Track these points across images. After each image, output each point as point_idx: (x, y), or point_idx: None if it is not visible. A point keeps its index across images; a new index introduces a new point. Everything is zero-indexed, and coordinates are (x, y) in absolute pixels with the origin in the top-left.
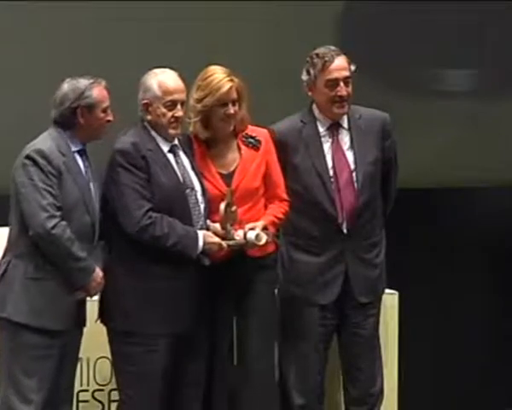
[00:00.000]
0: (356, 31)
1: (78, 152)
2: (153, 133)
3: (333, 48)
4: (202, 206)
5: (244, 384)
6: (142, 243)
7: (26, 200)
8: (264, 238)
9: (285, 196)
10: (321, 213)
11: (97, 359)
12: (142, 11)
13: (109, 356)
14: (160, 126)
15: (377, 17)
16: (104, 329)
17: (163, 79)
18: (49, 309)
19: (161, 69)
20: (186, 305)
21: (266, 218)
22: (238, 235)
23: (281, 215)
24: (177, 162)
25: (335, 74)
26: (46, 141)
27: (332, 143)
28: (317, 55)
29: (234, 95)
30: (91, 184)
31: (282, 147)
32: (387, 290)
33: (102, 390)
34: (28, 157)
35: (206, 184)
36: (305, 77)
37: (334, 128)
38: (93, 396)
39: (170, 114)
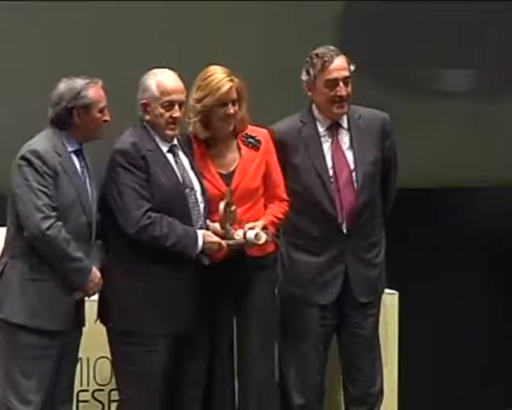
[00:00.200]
0: (356, 31)
1: (75, 152)
2: (152, 133)
3: (332, 48)
4: (202, 206)
5: (244, 384)
6: (142, 242)
7: (22, 201)
8: (263, 238)
9: (285, 196)
10: (321, 213)
11: (97, 359)
12: (142, 11)
13: (109, 356)
14: (158, 127)
15: (377, 17)
16: (104, 329)
17: (161, 80)
18: (46, 310)
19: (161, 69)
20: (186, 305)
21: (266, 218)
22: (238, 234)
23: (280, 215)
24: (176, 162)
25: (335, 74)
26: (42, 141)
27: (332, 143)
28: (317, 55)
29: (234, 95)
30: (88, 184)
31: (282, 147)
32: (387, 290)
33: (102, 390)
34: (23, 158)
35: (205, 183)
36: (304, 77)
37: (333, 128)
38: (93, 396)
39: (167, 114)
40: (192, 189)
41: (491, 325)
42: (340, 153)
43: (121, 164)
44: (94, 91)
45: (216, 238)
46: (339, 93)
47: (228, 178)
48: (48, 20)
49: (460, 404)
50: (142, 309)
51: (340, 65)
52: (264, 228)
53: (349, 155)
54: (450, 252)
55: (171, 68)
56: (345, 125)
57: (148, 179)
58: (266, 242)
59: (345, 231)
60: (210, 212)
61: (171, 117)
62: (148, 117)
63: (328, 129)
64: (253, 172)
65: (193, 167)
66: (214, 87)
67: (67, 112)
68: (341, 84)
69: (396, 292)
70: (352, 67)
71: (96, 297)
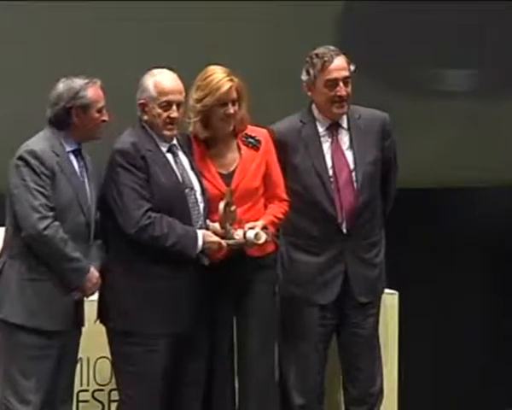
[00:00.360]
0: (356, 31)
1: (73, 152)
2: (151, 133)
3: (332, 48)
4: (202, 205)
5: (244, 384)
6: (142, 242)
7: (19, 201)
8: (263, 237)
9: (285, 196)
10: (320, 213)
11: (97, 359)
12: (142, 11)
13: (109, 356)
14: (156, 127)
15: (377, 17)
16: (104, 329)
17: (159, 80)
18: (45, 310)
19: (160, 70)
20: (186, 305)
21: (266, 218)
22: (237, 234)
23: (280, 215)
24: (176, 162)
25: (335, 74)
26: (39, 141)
27: (331, 142)
28: (317, 55)
29: (234, 95)
30: (87, 184)
31: (282, 147)
32: (387, 290)
33: (102, 390)
34: (20, 158)
35: (205, 183)
36: (304, 77)
37: (333, 128)
38: (93, 396)
39: (165, 114)
40: (192, 189)
41: (491, 325)
42: (339, 153)
43: (121, 164)
44: (92, 91)
45: (216, 238)
46: (339, 93)
47: (228, 178)
48: (48, 20)
49: (460, 404)
50: (142, 309)
51: (339, 65)
52: (264, 228)
53: (349, 155)
54: (450, 252)
55: (170, 68)
56: (344, 125)
57: (147, 179)
58: (266, 242)
59: (344, 230)
60: (210, 212)
61: (168, 117)
62: (146, 117)
63: (327, 129)
64: (253, 173)
65: (193, 167)
66: (214, 87)
67: (66, 112)
68: (341, 84)
69: (396, 292)
70: (352, 67)
71: (95, 297)
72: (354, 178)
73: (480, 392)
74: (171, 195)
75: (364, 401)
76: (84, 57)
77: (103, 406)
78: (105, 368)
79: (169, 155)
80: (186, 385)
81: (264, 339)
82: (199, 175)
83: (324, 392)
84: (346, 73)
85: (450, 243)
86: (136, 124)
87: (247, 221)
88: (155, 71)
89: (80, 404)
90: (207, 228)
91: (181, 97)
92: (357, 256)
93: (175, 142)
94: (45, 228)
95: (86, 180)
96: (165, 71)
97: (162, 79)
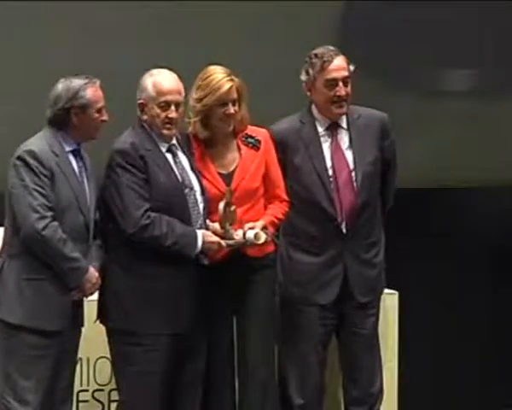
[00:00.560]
0: (356, 31)
1: (73, 152)
2: (151, 133)
3: (332, 48)
4: (201, 205)
5: (244, 384)
6: (141, 242)
7: (17, 201)
8: (263, 237)
9: (285, 196)
10: (320, 213)
11: (97, 359)
12: (142, 11)
13: (109, 356)
14: (155, 127)
15: (377, 17)
16: (104, 329)
17: (158, 80)
18: (44, 310)
19: (159, 70)
20: (185, 305)
21: (266, 218)
22: (237, 234)
23: (280, 215)
24: (175, 162)
25: (334, 74)
26: (38, 141)
27: (331, 142)
28: (316, 55)
29: (234, 95)
30: (86, 185)
31: (282, 147)
32: (387, 290)
33: (102, 390)
34: (19, 158)
35: (205, 183)
36: (304, 77)
37: (333, 128)
38: (93, 396)
39: (163, 114)
40: (191, 189)
41: (492, 325)
42: (339, 153)
43: (120, 164)
44: (92, 92)
45: (215, 238)
46: (338, 93)
47: (228, 178)
48: (48, 20)
49: (460, 404)
50: (142, 309)
51: (339, 65)
52: (264, 228)
53: (348, 155)
54: (450, 252)
55: (170, 69)
56: (344, 125)
57: (147, 179)
58: (266, 242)
59: (344, 230)
60: (210, 212)
61: (167, 117)
62: (145, 117)
63: (327, 129)
64: (252, 173)
65: (192, 167)
66: (214, 87)
67: (65, 112)
68: (341, 84)
69: (396, 292)
70: (352, 67)
71: (95, 297)
72: (354, 178)
73: (480, 392)
74: (171, 194)
75: (364, 401)
76: (84, 57)
77: (103, 406)
78: (105, 368)
79: (168, 155)
80: (186, 385)
81: (264, 339)
82: (198, 175)
83: (324, 392)
84: (346, 73)
85: (451, 243)
86: (135, 124)
87: (247, 221)
88: (155, 71)
89: (80, 404)
90: (207, 228)
91: (180, 97)
92: (356, 256)
93: (174, 142)
94: (44, 228)
95: (85, 180)
96: (164, 71)
97: (161, 80)
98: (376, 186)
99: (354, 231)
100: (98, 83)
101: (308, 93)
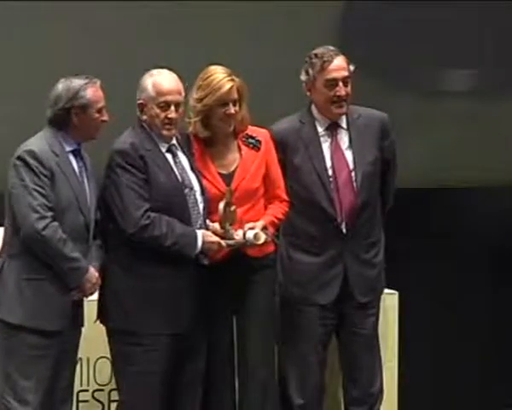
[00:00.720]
0: (356, 31)
1: (73, 152)
2: (151, 133)
3: (332, 48)
4: (201, 206)
5: (244, 384)
6: (141, 242)
7: (17, 201)
8: (262, 238)
9: (285, 196)
10: (320, 213)
11: (97, 359)
12: (142, 11)
13: (109, 356)
14: (155, 127)
15: (377, 17)
16: (104, 329)
17: (158, 80)
18: (44, 310)
19: (159, 70)
20: (185, 305)
21: (266, 218)
22: (237, 234)
23: (280, 216)
24: (175, 162)
25: (334, 74)
26: (38, 141)
27: (331, 142)
28: (316, 55)
29: (234, 95)
30: (86, 185)
31: (282, 147)
32: (387, 290)
33: (102, 390)
34: (19, 158)
35: (205, 183)
36: (303, 77)
37: (332, 128)
38: (93, 396)
39: (163, 114)
40: (191, 189)
41: (492, 325)
42: (339, 153)
43: (120, 164)
44: (92, 92)
45: (215, 238)
46: (338, 93)
47: (228, 178)
48: (48, 21)
49: (460, 404)
50: (142, 309)
51: (339, 65)
52: (264, 228)
53: (348, 155)
54: (450, 252)
55: (170, 69)
56: (344, 125)
57: (146, 179)
58: (266, 242)
59: (344, 230)
60: (210, 212)
61: (166, 117)
62: (145, 117)
63: (327, 129)
64: (253, 173)
65: (192, 167)
66: (215, 87)
67: (65, 112)
68: (341, 84)
69: (396, 292)
70: (352, 67)
71: (95, 297)
72: (354, 178)
73: (480, 392)
74: (171, 195)
75: (364, 401)
76: (84, 57)
77: (103, 406)
78: (105, 368)
79: (168, 155)
80: (186, 385)
81: (264, 339)
82: (198, 175)
83: (324, 392)
84: (346, 73)
85: (451, 243)
86: (135, 124)
87: (248, 222)
88: (154, 71)
89: (80, 404)
90: (207, 228)
91: (179, 98)
92: (356, 256)
93: (174, 142)
94: (44, 228)
95: (86, 180)
96: (164, 71)
97: (161, 80)
98: (376, 186)
99: (354, 231)
100: (98, 83)
101: (308, 93)
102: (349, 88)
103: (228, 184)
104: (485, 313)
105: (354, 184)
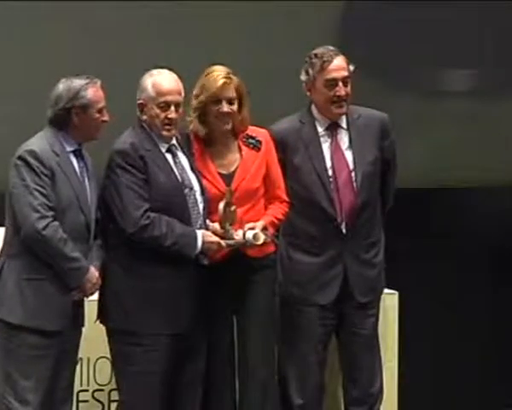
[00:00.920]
0: (356, 31)
1: (74, 152)
2: (150, 133)
3: (331, 48)
4: (201, 206)
5: (244, 384)
6: (141, 242)
7: (18, 201)
8: (262, 238)
9: (285, 196)
10: (320, 213)
11: (97, 359)
12: (142, 11)
13: (109, 356)
14: (155, 127)
15: (377, 17)
16: (104, 329)
17: (158, 80)
18: (44, 310)
19: (159, 70)
20: (185, 305)
21: (266, 218)
22: (237, 234)
23: (280, 216)
24: (175, 162)
25: (334, 74)
26: (39, 141)
27: (331, 143)
28: (316, 55)
29: (229, 93)
30: (87, 184)
31: (282, 147)
32: (387, 290)
33: (102, 390)
34: (20, 158)
35: (205, 183)
36: (303, 77)
37: (332, 128)
38: (93, 396)
39: (163, 115)
40: (191, 189)
41: (492, 325)
42: (339, 153)
43: (120, 164)
44: (92, 92)
45: (215, 238)
46: (338, 93)
47: (228, 178)
48: (48, 21)
49: (460, 404)
50: (143, 309)
51: (339, 65)
52: (264, 229)
53: (348, 155)
54: (450, 252)
55: (170, 69)
56: (344, 125)
57: (146, 179)
58: (265, 242)
59: (344, 230)
60: (210, 212)
61: (166, 118)
62: (145, 117)
63: (327, 129)
64: (253, 173)
65: (192, 167)
66: (209, 84)
67: (66, 112)
68: (340, 84)
69: (396, 292)
70: (352, 67)
71: (95, 297)
72: (354, 178)
73: (480, 392)
74: (171, 195)
75: (364, 401)
76: (84, 58)
77: (103, 406)
78: (105, 368)
79: (168, 155)
80: (186, 385)
81: (264, 339)
82: (198, 175)
83: (324, 392)
84: (346, 73)
85: (451, 243)
86: (135, 124)
87: (248, 222)
88: (154, 71)
89: (80, 404)
90: (207, 228)
91: (179, 98)
92: (356, 256)
93: (174, 142)
94: (44, 228)
95: (86, 180)
96: (164, 71)
97: (161, 80)
98: (376, 186)
99: (354, 232)
100: (99, 83)
101: (308, 93)
102: (349, 88)
103: (228, 185)
104: (485, 313)
105: (354, 184)
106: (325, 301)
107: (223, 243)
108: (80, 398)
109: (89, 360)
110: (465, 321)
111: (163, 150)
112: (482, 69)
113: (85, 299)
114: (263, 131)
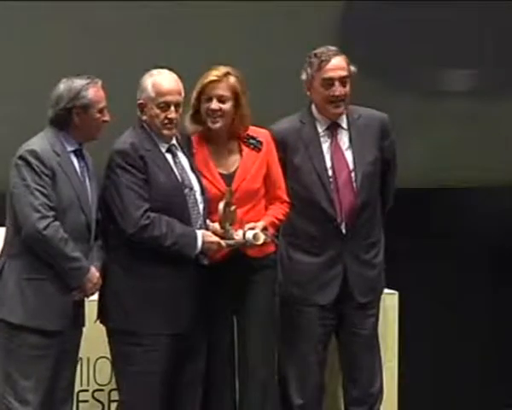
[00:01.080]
0: (356, 31)
1: (74, 152)
2: (151, 133)
3: (332, 48)
4: (201, 206)
5: (244, 384)
6: (141, 242)
7: (19, 201)
8: (261, 238)
9: (285, 197)
10: (320, 213)
11: (97, 359)
12: (142, 11)
13: (109, 356)
14: (155, 127)
15: (377, 17)
16: (104, 329)
17: (158, 80)
18: (44, 310)
19: (159, 70)
20: (185, 305)
21: (266, 218)
22: (237, 235)
23: (281, 216)
24: (175, 162)
25: (330, 74)
26: (40, 141)
27: (331, 143)
28: (315, 54)
29: (219, 91)
30: (88, 184)
31: (282, 147)
32: (387, 290)
33: (102, 390)
34: (21, 157)
35: (205, 183)
36: (303, 77)
37: (333, 128)
38: (93, 396)
39: (163, 115)
40: (191, 189)
41: (492, 325)
42: (339, 153)
43: (120, 164)
44: (93, 92)
45: (215, 238)
46: (334, 93)
47: (228, 178)
48: (48, 21)
49: (460, 404)
50: (143, 309)
51: (337, 64)
52: (265, 229)
53: (348, 155)
54: (450, 252)
55: (170, 69)
56: (344, 125)
57: (146, 180)
58: (265, 243)
59: (344, 231)
60: (210, 212)
61: (166, 118)
62: (145, 117)
63: (327, 129)
64: (254, 174)
65: (192, 167)
66: (201, 81)
67: (67, 112)
68: (337, 83)
69: (396, 292)
70: (352, 68)
71: (95, 297)
72: (354, 178)
73: (480, 392)
74: (171, 195)
75: (364, 401)
76: (84, 58)
77: (103, 406)
78: (105, 368)
79: (168, 156)
80: (186, 385)
81: (264, 339)
82: (198, 175)
83: (324, 392)
84: (343, 73)
85: (451, 243)
86: (135, 124)
87: (248, 222)
88: (154, 71)
89: (80, 404)
90: (207, 228)
91: (179, 98)
92: (356, 256)
93: (174, 142)
94: (45, 228)
95: (87, 180)
96: (164, 71)
97: (161, 80)
98: (376, 186)
99: (354, 232)
100: (100, 83)
101: (308, 93)
102: (347, 88)
103: (228, 185)
104: (485, 313)
105: (354, 184)
106: (325, 302)
107: (223, 243)
108: (80, 398)
109: (89, 360)
110: (465, 321)
111: (163, 150)
112: (482, 69)
113: (86, 299)
114: (264, 131)
